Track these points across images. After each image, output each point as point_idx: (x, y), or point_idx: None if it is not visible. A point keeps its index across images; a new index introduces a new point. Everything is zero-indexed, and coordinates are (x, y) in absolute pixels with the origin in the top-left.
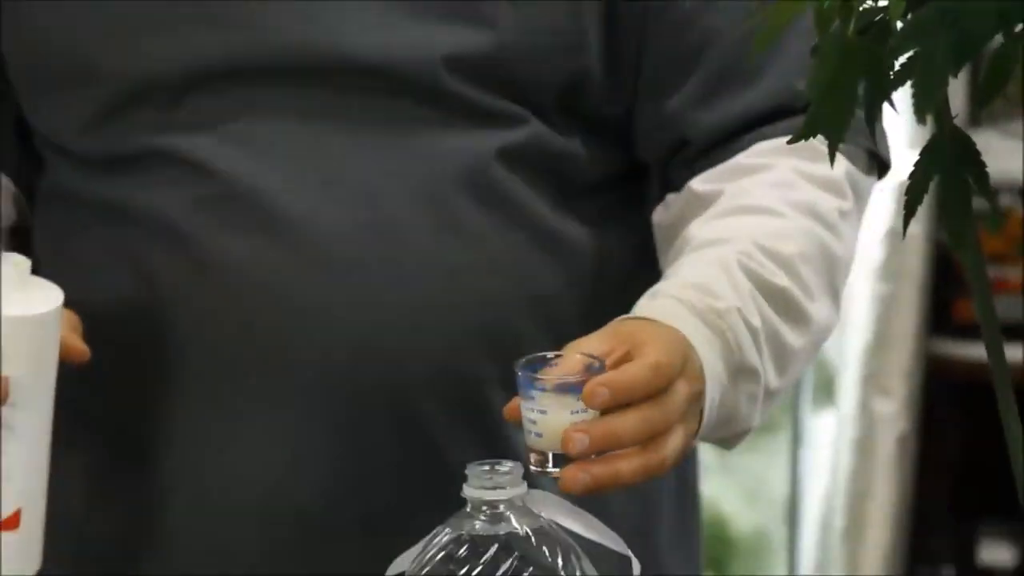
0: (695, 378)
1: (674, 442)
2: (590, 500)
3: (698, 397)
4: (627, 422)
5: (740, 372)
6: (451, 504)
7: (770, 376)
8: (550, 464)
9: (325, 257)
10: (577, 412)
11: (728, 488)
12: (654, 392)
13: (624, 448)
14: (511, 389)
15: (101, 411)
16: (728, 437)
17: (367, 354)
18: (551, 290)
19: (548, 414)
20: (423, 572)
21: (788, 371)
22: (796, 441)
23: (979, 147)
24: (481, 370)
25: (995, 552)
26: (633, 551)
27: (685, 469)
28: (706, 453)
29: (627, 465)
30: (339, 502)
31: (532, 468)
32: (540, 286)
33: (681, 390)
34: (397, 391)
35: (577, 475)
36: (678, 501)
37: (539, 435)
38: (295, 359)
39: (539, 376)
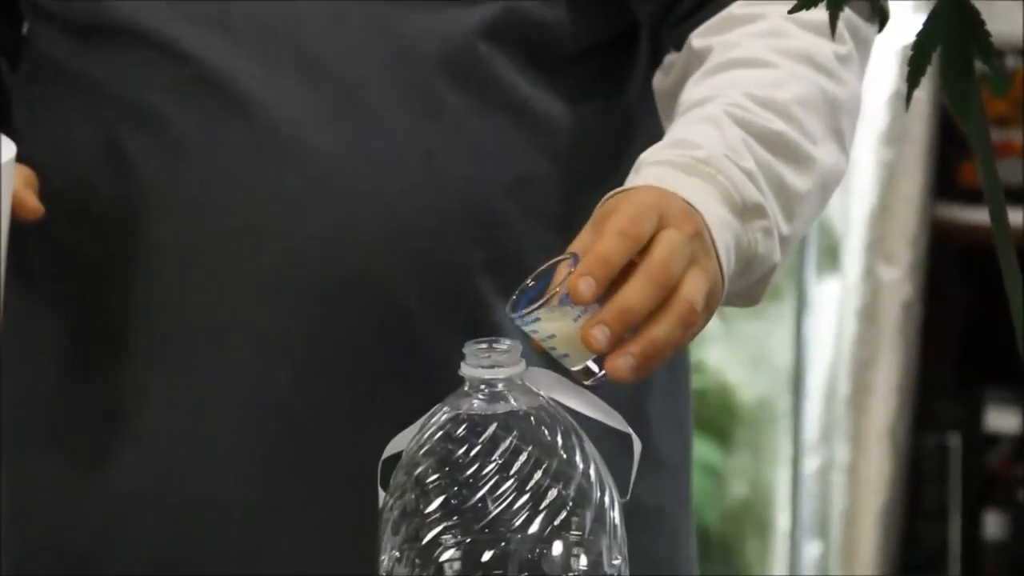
0: (683, 220)
1: (692, 284)
2: None
3: (696, 237)
4: (630, 289)
5: (746, 211)
6: (437, 391)
7: (779, 219)
8: (597, 372)
9: (299, 142)
10: (580, 316)
11: (732, 357)
12: (634, 251)
13: (642, 315)
14: (496, 273)
15: (71, 290)
16: (754, 287)
17: (345, 241)
18: (533, 170)
19: (557, 335)
20: (421, 451)
21: (797, 215)
22: (800, 309)
23: (981, 7)
24: (464, 255)
25: (1001, 418)
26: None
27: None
28: (711, 322)
29: (659, 327)
30: (320, 393)
31: (586, 384)
32: (522, 167)
33: (669, 236)
34: (377, 278)
35: (618, 363)
36: (669, 373)
37: (566, 355)
38: (270, 246)
39: (526, 311)
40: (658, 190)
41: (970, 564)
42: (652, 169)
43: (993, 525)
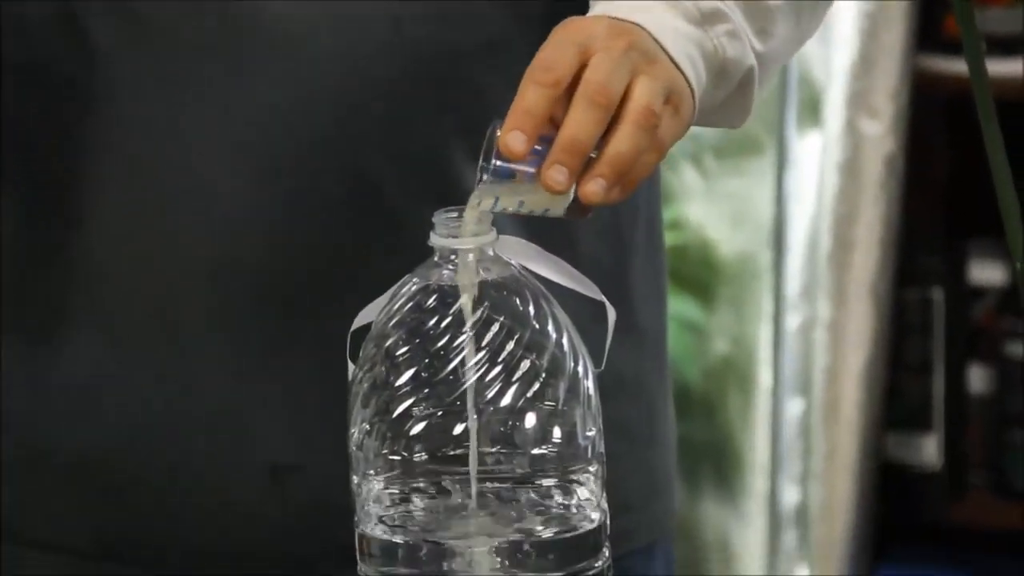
0: (611, 39)
1: (641, 89)
2: (561, 243)
3: (630, 49)
4: (570, 119)
5: (704, 18)
6: (407, 261)
7: (744, 26)
8: (578, 211)
9: (264, 8)
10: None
11: (712, 213)
12: (556, 93)
13: (590, 140)
14: (468, 140)
15: (31, 146)
16: (737, 97)
17: (313, 107)
18: (505, 36)
19: (526, 200)
20: (390, 323)
21: (770, 33)
22: (781, 164)
23: None
24: (434, 121)
25: (985, 271)
26: (606, 295)
27: (652, 210)
28: (689, 176)
29: (618, 140)
30: (288, 262)
31: (584, 217)
32: (493, 32)
33: (598, 59)
34: (346, 144)
35: (589, 188)
36: (648, 239)
37: (546, 210)
38: (238, 113)
39: (480, 197)
40: (579, 20)
41: (954, 418)
42: (599, 4)
43: (977, 379)
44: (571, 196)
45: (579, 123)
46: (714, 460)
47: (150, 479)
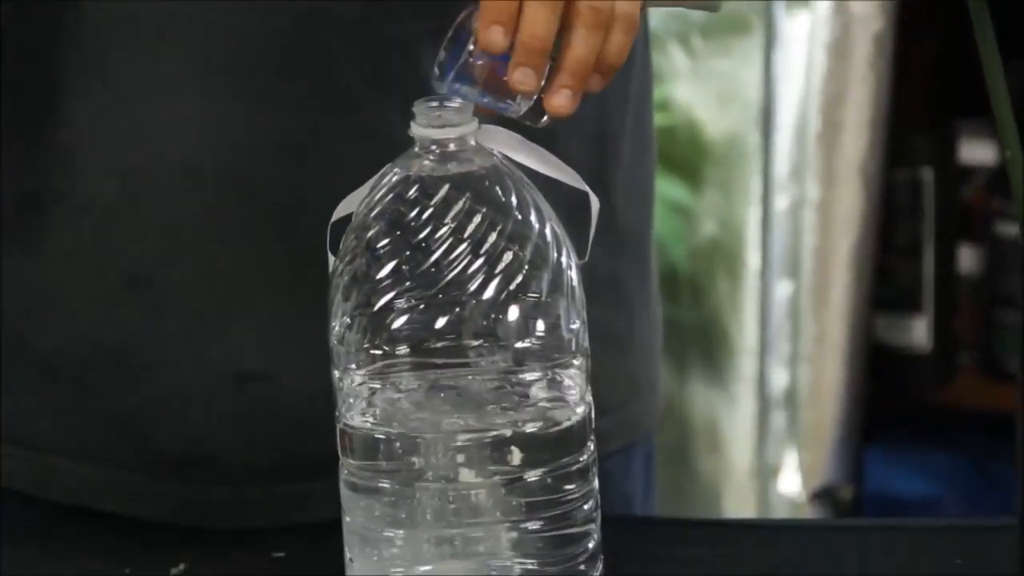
0: None
1: None
2: (544, 143)
3: None
4: (527, 21)
5: None
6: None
7: None
8: (543, 117)
9: None
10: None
11: (700, 94)
12: None
13: (549, 37)
14: (439, 39)
15: None
16: None
17: (279, 9)
18: None
19: (489, 99)
20: (371, 215)
21: None
22: (769, 44)
23: None
24: (405, 23)
25: (975, 151)
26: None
27: (641, 114)
28: (677, 56)
29: (574, 45)
30: (259, 165)
31: (543, 126)
32: None
33: None
34: (315, 47)
35: (555, 102)
36: (635, 141)
37: (506, 107)
38: (203, 16)
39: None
40: None
41: (944, 300)
42: None
43: (967, 259)
44: (532, 99)
45: (535, 22)
46: (702, 343)
47: (120, 381)
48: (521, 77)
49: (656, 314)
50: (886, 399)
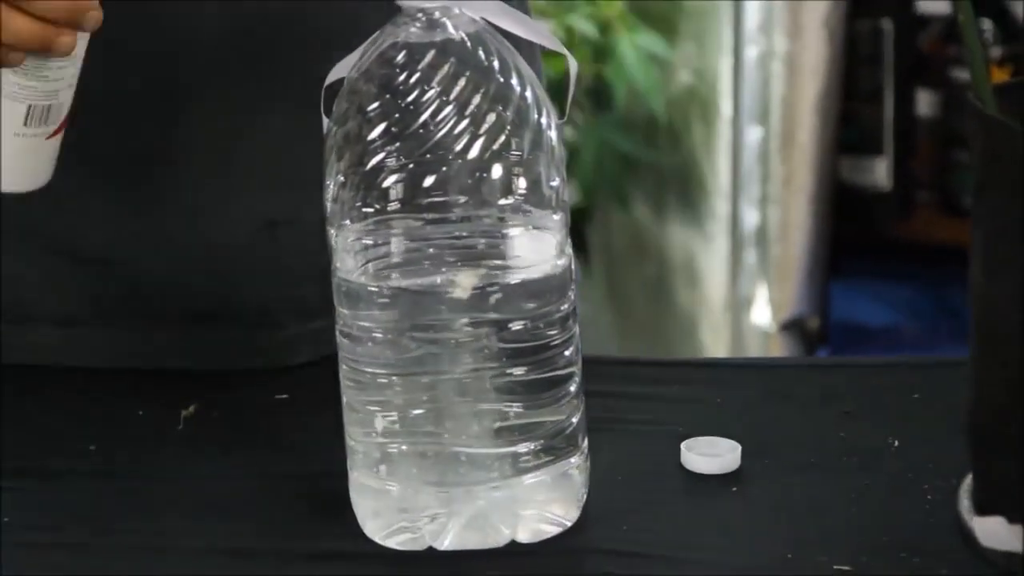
0: None
1: None
2: None
3: None
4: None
5: None
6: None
7: None
8: None
9: None
10: None
11: None
12: None
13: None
14: None
15: None
16: None
17: None
18: None
19: None
20: (361, 79)
21: None
22: None
23: None
24: None
25: (931, 2)
26: None
27: None
28: None
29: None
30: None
31: None
32: None
33: None
34: None
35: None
36: None
37: None
38: None
39: None
40: None
41: (903, 140)
42: None
43: (924, 103)
44: None
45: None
46: (679, 185)
47: (144, 239)
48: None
49: None
50: (850, 235)
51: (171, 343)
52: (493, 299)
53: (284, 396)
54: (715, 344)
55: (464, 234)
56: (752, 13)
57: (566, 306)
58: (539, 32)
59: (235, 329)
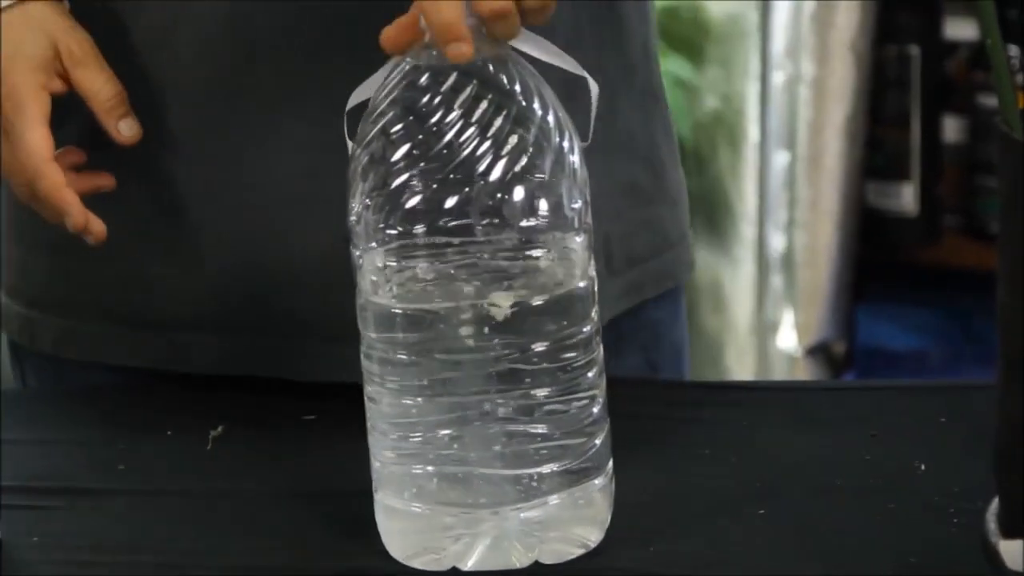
0: None
1: None
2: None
3: None
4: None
5: None
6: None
7: None
8: None
9: None
10: None
11: None
12: None
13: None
14: None
15: None
16: None
17: None
18: None
19: None
20: (385, 102)
21: None
22: None
23: None
24: None
25: (959, 27)
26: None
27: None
28: None
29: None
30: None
31: None
32: None
33: None
34: None
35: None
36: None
37: None
38: None
39: None
40: None
41: (929, 167)
42: None
43: (951, 129)
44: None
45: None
46: (706, 210)
47: (228, 247)
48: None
49: (681, 172)
50: (876, 260)
51: (263, 351)
52: (517, 320)
53: (312, 417)
54: (741, 368)
55: (487, 255)
56: (779, 38)
57: (588, 328)
58: (560, 56)
59: (323, 342)
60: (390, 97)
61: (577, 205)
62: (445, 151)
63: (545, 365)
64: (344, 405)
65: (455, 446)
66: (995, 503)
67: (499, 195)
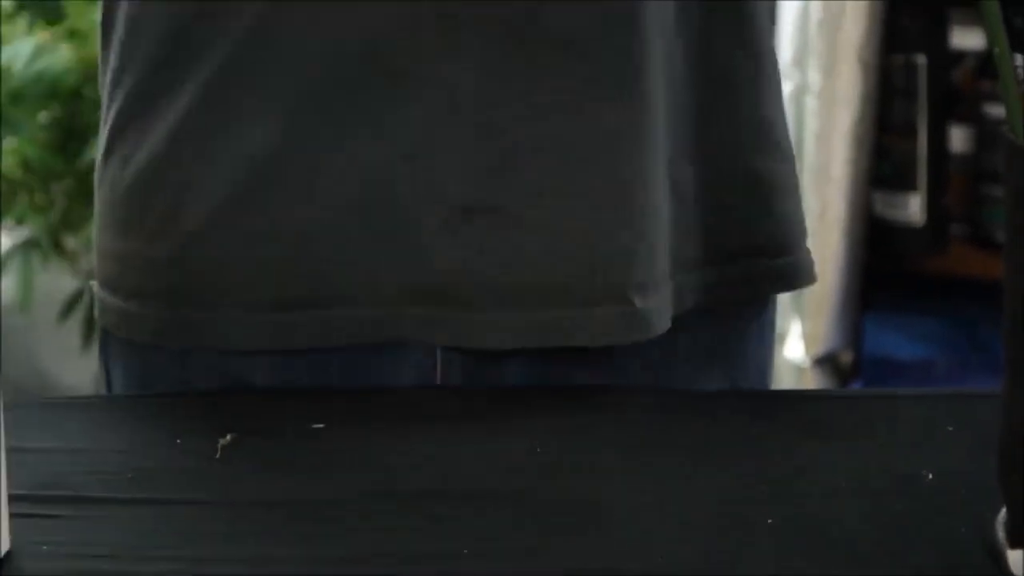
0: None
1: None
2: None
3: None
4: None
5: None
6: None
7: None
8: None
9: None
10: None
11: None
12: None
13: None
14: None
15: None
16: None
17: None
18: None
19: None
20: None
21: None
22: None
23: None
24: None
25: (965, 36)
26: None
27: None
28: None
29: None
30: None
31: None
32: None
33: None
34: None
35: None
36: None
37: None
38: None
39: None
40: None
41: (936, 176)
42: None
43: (958, 139)
44: None
45: None
46: None
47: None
48: None
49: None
50: (883, 270)
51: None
52: None
53: (320, 425)
54: None
55: None
56: (786, 47)
57: None
58: None
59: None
60: None
61: None
62: None
63: None
64: (353, 412)
65: None
66: (1003, 512)
67: None
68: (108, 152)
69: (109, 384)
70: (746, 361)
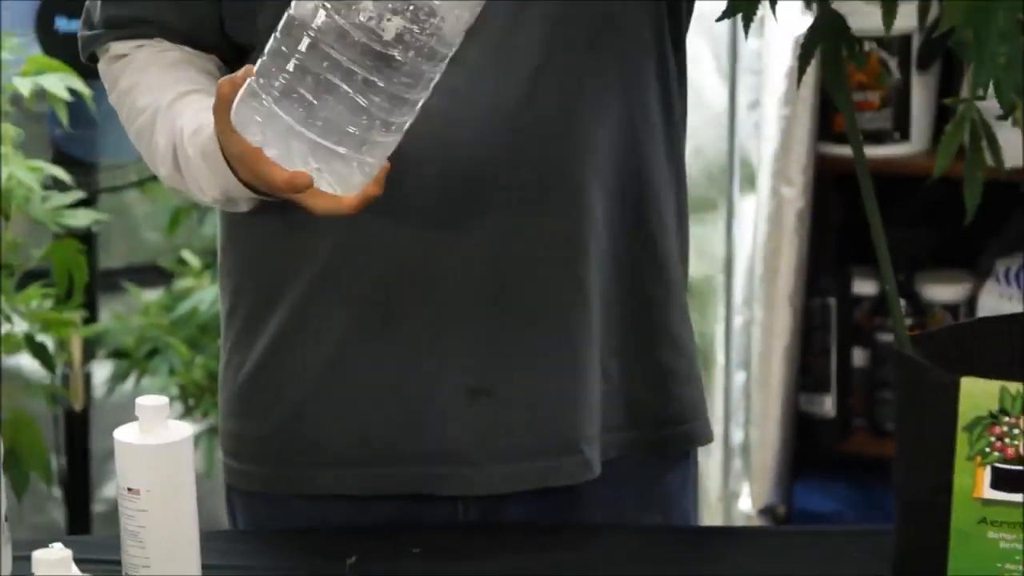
0: None
1: None
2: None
3: None
4: None
5: None
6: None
7: None
8: None
9: None
10: None
11: None
12: None
13: None
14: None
15: None
16: None
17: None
18: None
19: None
20: None
21: None
22: (729, 216)
23: (846, 7)
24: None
25: (864, 286)
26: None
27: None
28: None
29: None
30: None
31: None
32: None
33: None
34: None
35: None
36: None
37: None
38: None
39: None
40: None
41: (844, 383)
42: None
43: (859, 358)
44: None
45: None
46: None
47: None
48: None
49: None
50: (807, 449)
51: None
52: None
53: (417, 550)
54: (713, 523)
55: None
56: (739, 292)
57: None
58: None
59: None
60: None
61: None
62: None
63: None
64: (454, 542)
65: None
66: None
67: None
68: (227, 364)
69: (234, 521)
70: (676, 503)
